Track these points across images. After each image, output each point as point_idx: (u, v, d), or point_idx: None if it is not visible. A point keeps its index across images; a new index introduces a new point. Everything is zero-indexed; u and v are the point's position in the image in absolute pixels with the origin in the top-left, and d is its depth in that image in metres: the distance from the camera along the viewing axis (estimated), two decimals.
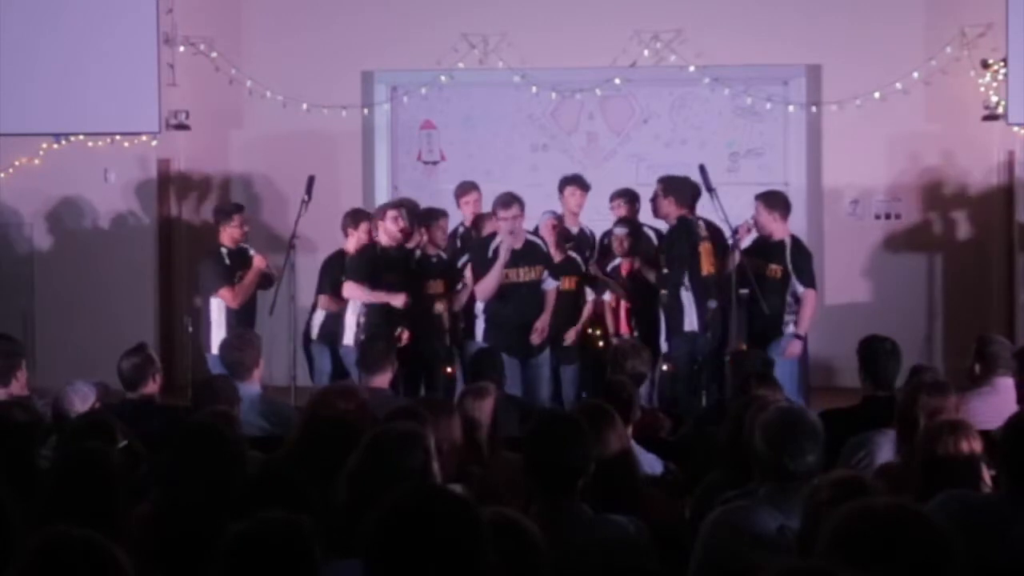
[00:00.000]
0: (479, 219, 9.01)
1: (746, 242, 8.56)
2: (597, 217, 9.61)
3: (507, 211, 8.25)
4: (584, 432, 4.03)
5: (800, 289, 8.30)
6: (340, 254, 8.74)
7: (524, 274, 8.34)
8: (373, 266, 8.31)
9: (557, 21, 10.74)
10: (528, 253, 8.37)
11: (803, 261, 8.38)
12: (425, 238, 8.54)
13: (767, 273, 8.35)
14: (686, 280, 8.32)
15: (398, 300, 8.19)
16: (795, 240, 8.50)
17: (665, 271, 8.37)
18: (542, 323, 8.33)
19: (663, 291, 8.36)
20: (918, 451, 4.35)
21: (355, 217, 8.78)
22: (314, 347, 8.69)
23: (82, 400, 6.10)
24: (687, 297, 8.36)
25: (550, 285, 8.43)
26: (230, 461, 4.16)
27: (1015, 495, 3.89)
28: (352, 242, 8.66)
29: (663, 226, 8.78)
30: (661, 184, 8.58)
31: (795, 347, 8.27)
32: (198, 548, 3.31)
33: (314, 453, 4.58)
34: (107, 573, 2.69)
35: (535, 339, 8.28)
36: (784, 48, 10.70)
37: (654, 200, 8.60)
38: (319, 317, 8.67)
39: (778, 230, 8.44)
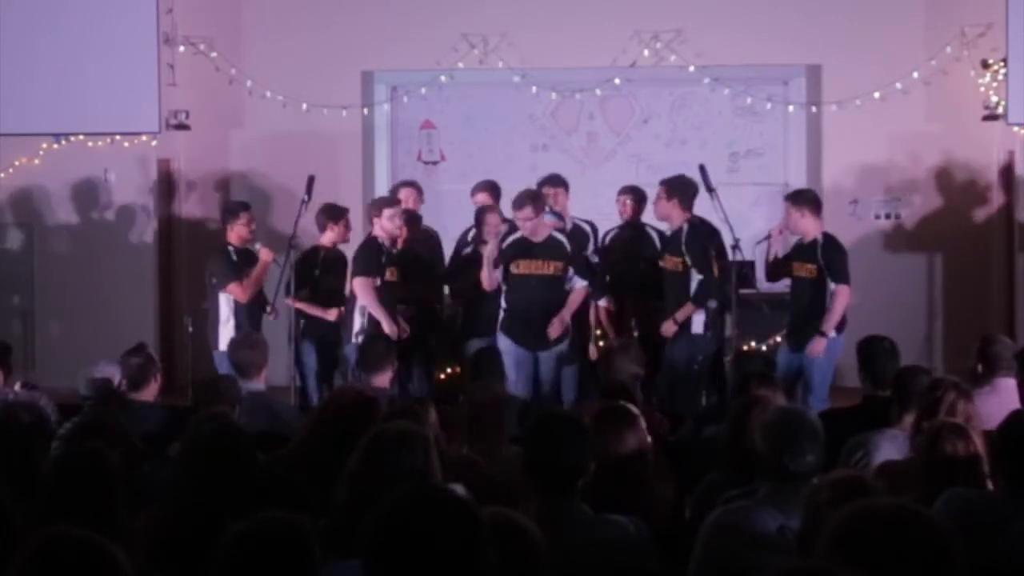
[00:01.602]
0: (481, 212, 9.04)
1: (780, 246, 8.52)
2: (599, 217, 9.60)
3: (519, 212, 8.28)
4: (584, 432, 4.03)
5: (832, 286, 8.19)
6: (314, 251, 8.75)
7: (536, 267, 8.31)
8: (377, 261, 8.34)
9: (557, 21, 10.73)
10: (546, 248, 8.35)
11: (835, 257, 8.21)
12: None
13: (802, 273, 8.30)
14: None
15: (386, 327, 8.19)
16: (827, 237, 8.32)
17: (701, 278, 8.32)
18: (560, 317, 8.25)
19: (711, 302, 8.33)
20: (920, 452, 4.36)
21: (332, 213, 8.79)
22: (301, 345, 8.68)
23: (107, 369, 6.22)
24: None
25: (577, 284, 8.41)
26: (242, 467, 4.14)
27: (1013, 493, 3.89)
28: (329, 237, 8.71)
29: (664, 227, 8.83)
30: (665, 186, 8.55)
31: (818, 345, 8.08)
32: (201, 549, 3.30)
33: (320, 453, 4.59)
34: (105, 573, 2.69)
35: (552, 332, 8.21)
36: (784, 48, 10.69)
37: (656, 202, 8.61)
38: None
39: (810, 228, 8.31)
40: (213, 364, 8.50)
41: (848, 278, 8.21)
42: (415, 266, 8.78)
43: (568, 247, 8.43)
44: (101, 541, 2.73)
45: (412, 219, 9.10)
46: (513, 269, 8.31)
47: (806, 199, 8.45)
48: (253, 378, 6.66)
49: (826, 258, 8.19)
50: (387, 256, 8.41)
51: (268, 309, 8.73)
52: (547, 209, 8.94)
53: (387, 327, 8.19)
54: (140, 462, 4.91)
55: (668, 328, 8.35)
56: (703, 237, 8.42)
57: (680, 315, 8.32)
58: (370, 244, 8.49)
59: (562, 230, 8.75)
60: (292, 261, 8.49)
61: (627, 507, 4.07)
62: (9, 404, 5.71)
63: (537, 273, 8.31)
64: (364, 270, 8.33)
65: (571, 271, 8.36)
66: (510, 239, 8.42)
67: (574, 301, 8.38)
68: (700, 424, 6.21)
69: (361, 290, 8.30)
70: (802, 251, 8.36)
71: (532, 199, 8.33)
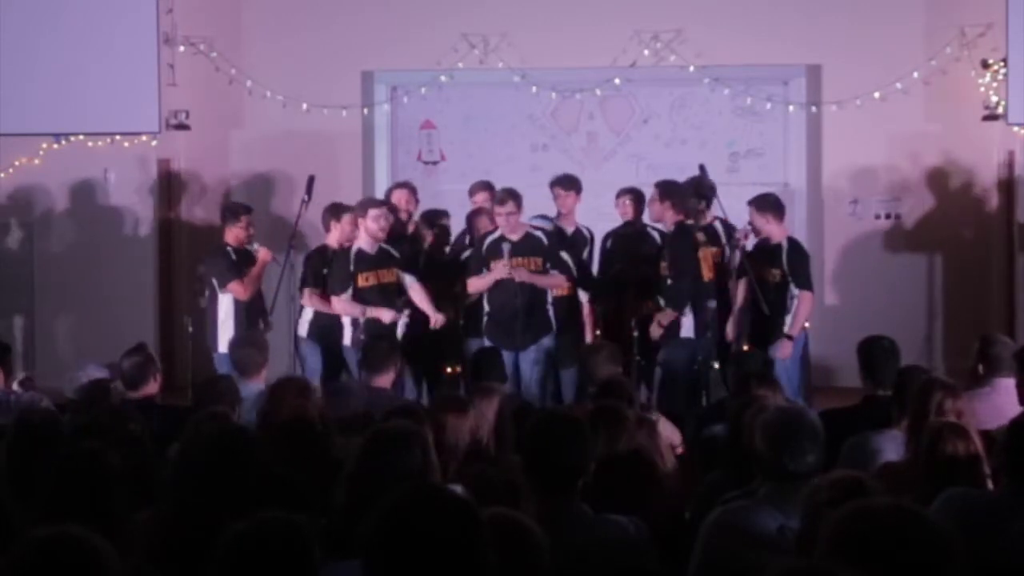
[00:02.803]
0: (473, 215, 9.05)
1: (748, 246, 8.56)
2: (599, 218, 9.60)
3: (502, 207, 8.34)
4: (584, 432, 4.03)
5: (795, 291, 8.29)
6: (322, 249, 8.73)
7: (517, 265, 8.32)
8: (346, 272, 8.30)
9: (557, 21, 10.74)
10: (524, 245, 8.38)
11: (799, 263, 8.35)
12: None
13: (767, 278, 8.35)
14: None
15: (386, 316, 8.21)
16: (791, 242, 8.47)
17: (670, 282, 8.35)
18: (528, 273, 8.27)
19: (710, 302, 8.36)
20: (921, 452, 4.36)
21: (335, 211, 8.77)
22: (304, 345, 8.64)
23: (95, 372, 6.20)
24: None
25: (554, 274, 8.45)
26: (242, 467, 4.13)
27: (1017, 491, 3.89)
28: (334, 236, 8.65)
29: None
30: (659, 189, 8.60)
31: (785, 348, 8.19)
32: (201, 549, 3.30)
33: (270, 448, 4.59)
34: (89, 571, 2.67)
35: (516, 276, 8.19)
36: (784, 48, 10.69)
37: (651, 204, 8.64)
38: (307, 315, 8.64)
39: (775, 232, 8.42)
40: (213, 365, 8.49)
41: (811, 284, 8.38)
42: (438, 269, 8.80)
43: (546, 242, 8.46)
44: (87, 539, 2.71)
45: (436, 218, 9.12)
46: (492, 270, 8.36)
47: (769, 203, 8.50)
48: (253, 377, 6.66)
49: (790, 263, 8.30)
50: (360, 263, 8.31)
51: (263, 323, 8.67)
52: (544, 216, 8.96)
53: (387, 317, 8.20)
54: (142, 462, 4.90)
55: (654, 331, 8.38)
56: (685, 241, 8.41)
57: (663, 319, 8.33)
58: (339, 256, 8.41)
59: (552, 232, 8.75)
60: (292, 262, 8.47)
61: (627, 507, 4.07)
62: (25, 408, 5.69)
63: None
64: (337, 287, 8.30)
65: (547, 265, 8.40)
66: (488, 240, 8.46)
67: (546, 281, 8.39)
68: (700, 424, 6.21)
69: (338, 307, 8.30)
70: (767, 254, 8.42)
71: (513, 196, 8.38)
